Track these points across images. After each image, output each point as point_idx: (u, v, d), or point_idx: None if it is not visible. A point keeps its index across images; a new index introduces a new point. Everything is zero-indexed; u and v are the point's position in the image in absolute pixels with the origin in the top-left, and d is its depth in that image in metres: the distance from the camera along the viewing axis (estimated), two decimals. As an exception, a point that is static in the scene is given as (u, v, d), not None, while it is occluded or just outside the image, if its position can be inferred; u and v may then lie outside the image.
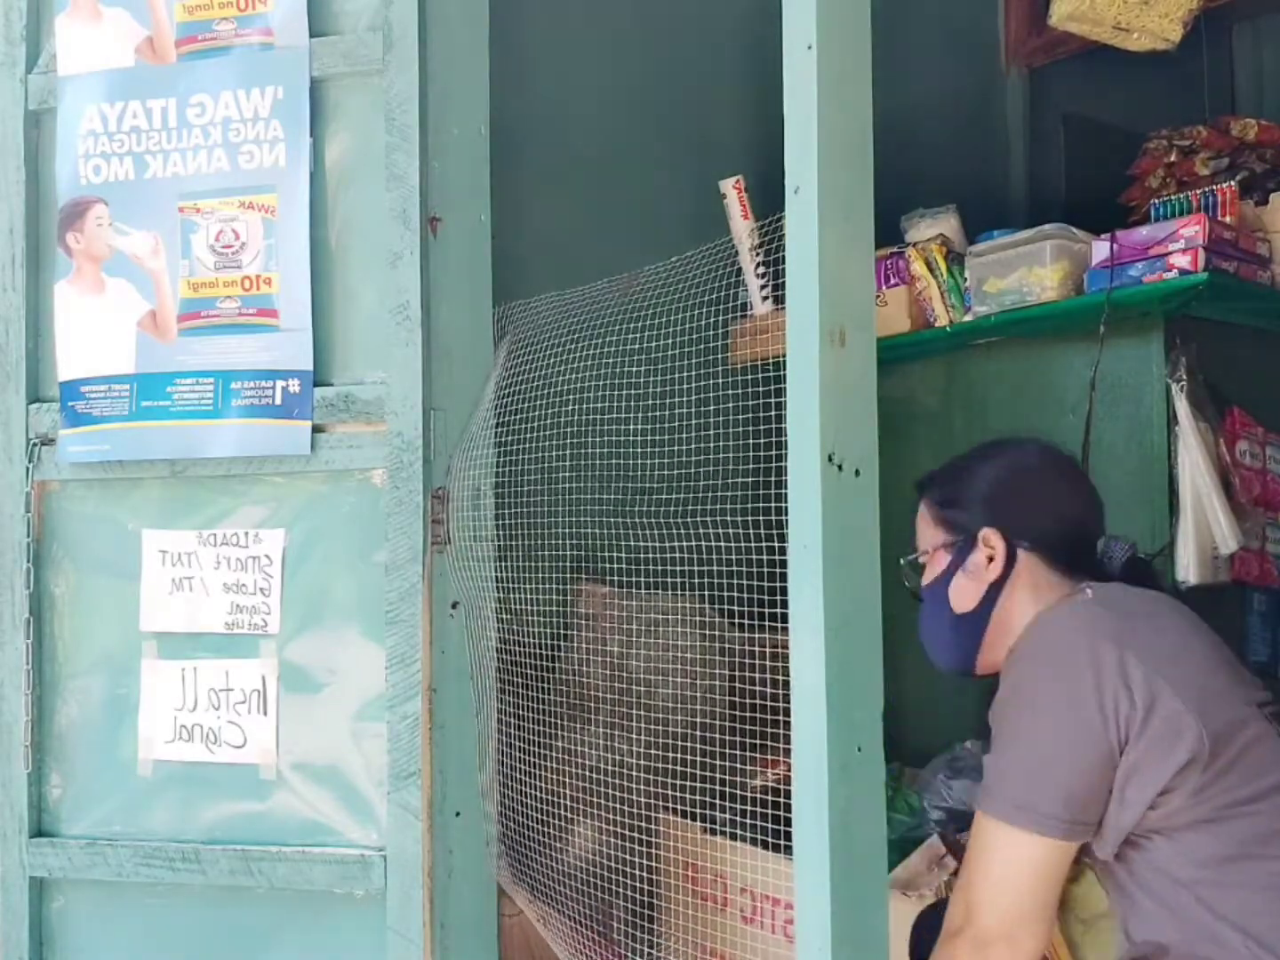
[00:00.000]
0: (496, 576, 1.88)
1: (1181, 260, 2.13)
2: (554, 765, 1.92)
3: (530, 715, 1.89)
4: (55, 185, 1.99)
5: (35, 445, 1.99)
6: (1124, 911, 1.47)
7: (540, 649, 1.94)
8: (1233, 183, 2.43)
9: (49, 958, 1.98)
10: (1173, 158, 3.00)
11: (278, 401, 1.86)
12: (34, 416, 2.00)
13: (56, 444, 1.98)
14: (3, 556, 2.00)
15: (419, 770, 1.80)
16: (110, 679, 1.96)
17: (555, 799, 1.90)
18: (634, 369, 1.89)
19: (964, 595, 1.59)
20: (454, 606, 1.85)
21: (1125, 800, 1.38)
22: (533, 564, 1.93)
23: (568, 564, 1.95)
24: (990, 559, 1.56)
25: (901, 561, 1.66)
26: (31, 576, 1.98)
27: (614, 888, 1.78)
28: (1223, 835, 1.37)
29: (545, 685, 1.93)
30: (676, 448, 1.84)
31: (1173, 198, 2.42)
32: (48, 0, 2.01)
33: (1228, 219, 2.30)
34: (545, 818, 1.88)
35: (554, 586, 1.93)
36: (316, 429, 1.86)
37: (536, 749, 1.87)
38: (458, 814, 1.84)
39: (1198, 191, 2.41)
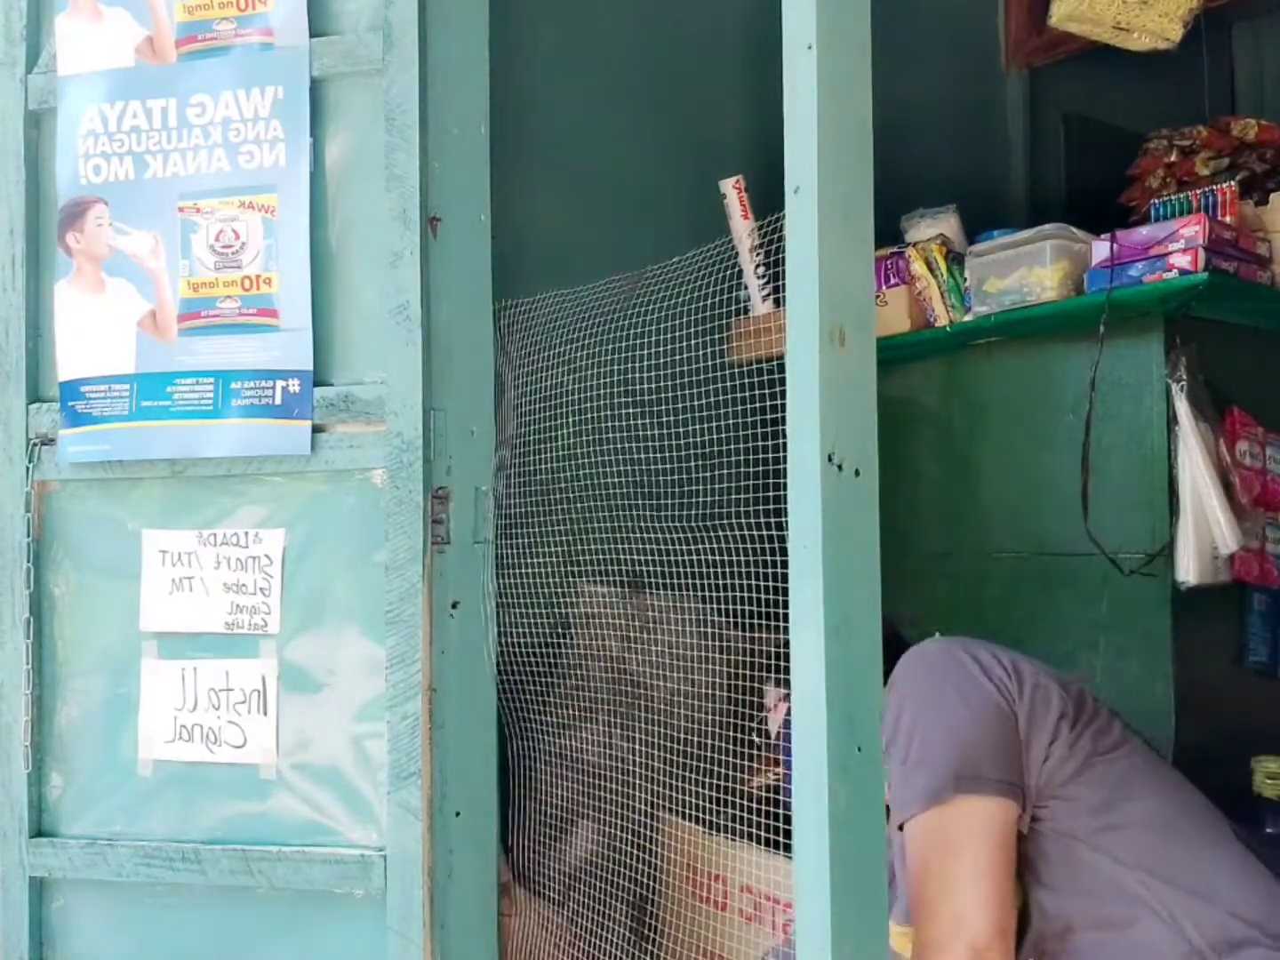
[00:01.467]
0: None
1: (1181, 260, 2.13)
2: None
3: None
4: (55, 185, 1.98)
5: (35, 445, 1.99)
6: (1036, 894, 1.53)
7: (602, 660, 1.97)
8: (1233, 183, 2.43)
9: (49, 958, 1.98)
10: (1173, 158, 3.01)
11: (278, 401, 1.86)
12: (34, 416, 2.00)
13: (56, 444, 1.98)
14: (3, 556, 2.00)
15: (419, 770, 1.80)
16: (110, 679, 1.96)
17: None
18: (636, 369, 1.90)
19: None
20: (454, 606, 1.85)
21: (1029, 764, 1.50)
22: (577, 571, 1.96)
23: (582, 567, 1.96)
24: None
25: (757, 736, 1.81)
26: (31, 576, 1.98)
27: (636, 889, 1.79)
28: (1095, 782, 1.51)
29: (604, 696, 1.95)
30: (676, 446, 1.84)
31: (1173, 198, 2.42)
32: (48, 0, 2.01)
33: (1228, 219, 2.30)
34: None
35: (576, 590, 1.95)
36: (316, 429, 1.86)
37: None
38: (458, 814, 1.84)
39: (1198, 191, 2.41)
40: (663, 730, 1.88)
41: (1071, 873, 1.49)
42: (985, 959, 1.41)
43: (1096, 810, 1.50)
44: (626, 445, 1.92)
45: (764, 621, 1.63)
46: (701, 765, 1.79)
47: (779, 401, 1.32)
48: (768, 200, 1.59)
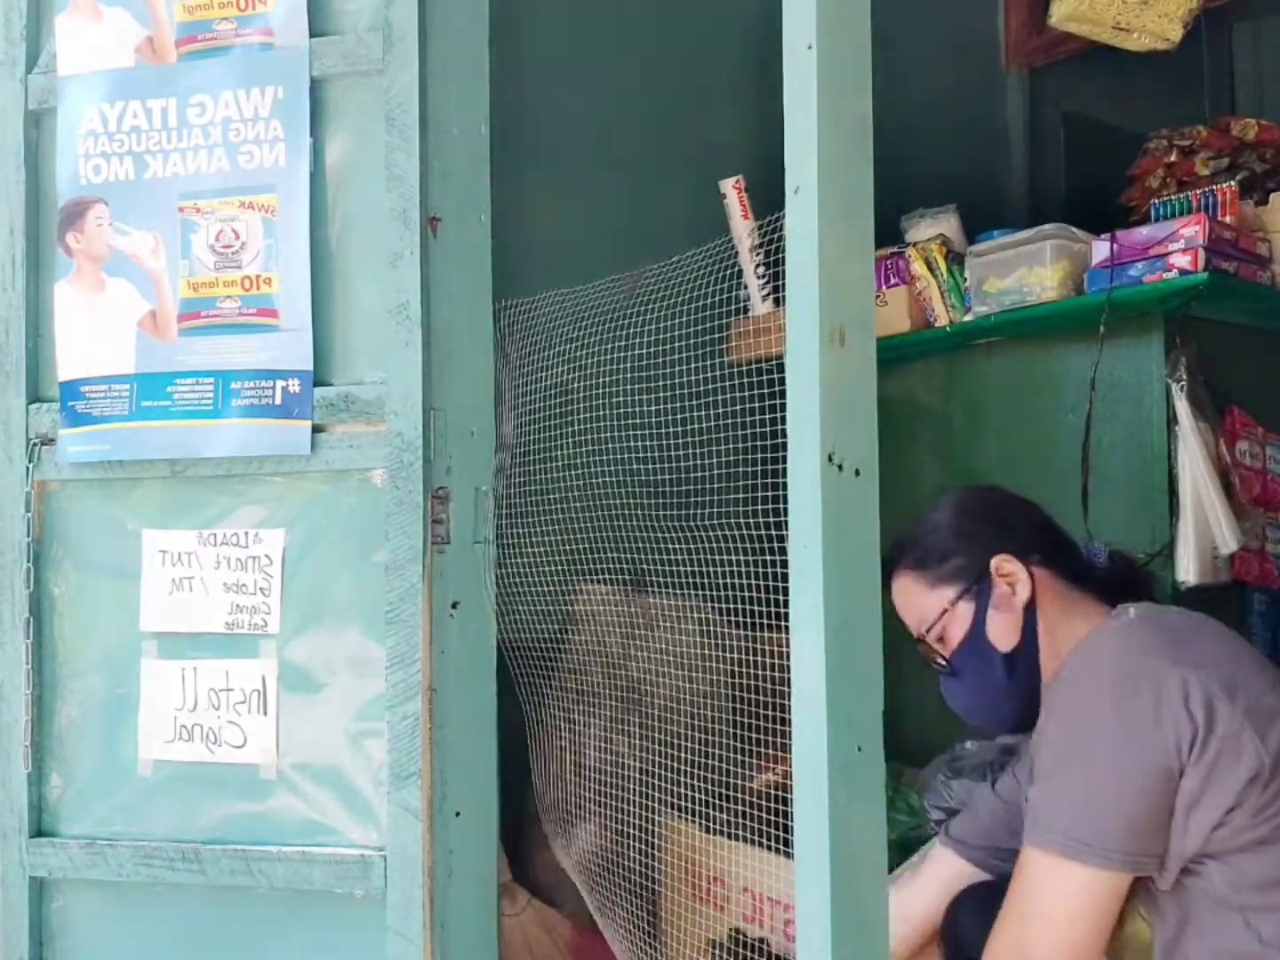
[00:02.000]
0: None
1: (1181, 260, 2.13)
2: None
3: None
4: (55, 185, 1.98)
5: (35, 445, 1.99)
6: (1168, 951, 1.43)
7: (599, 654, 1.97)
8: (1233, 183, 2.43)
9: (49, 958, 1.98)
10: (1173, 158, 3.00)
11: (278, 401, 1.86)
12: (34, 416, 2.00)
13: (56, 444, 1.97)
14: (3, 556, 2.00)
15: (419, 770, 1.80)
16: (110, 679, 1.96)
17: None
18: (636, 369, 1.90)
19: (1004, 631, 1.53)
20: (454, 606, 1.85)
21: (1188, 827, 1.35)
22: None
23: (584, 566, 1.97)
24: (1011, 585, 1.53)
25: (921, 645, 1.61)
26: (31, 576, 1.98)
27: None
28: (1276, 857, 1.34)
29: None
30: (675, 446, 1.84)
31: (1173, 198, 2.43)
32: (48, 0, 2.01)
33: (1228, 219, 2.30)
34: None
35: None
36: (316, 429, 1.86)
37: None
38: (458, 814, 1.84)
39: (1198, 191, 2.41)
40: (662, 730, 1.88)
41: (1209, 934, 1.38)
42: None
43: (1262, 887, 1.35)
44: (627, 445, 1.91)
45: (765, 621, 1.63)
46: (702, 765, 1.79)
47: (779, 401, 1.32)
48: (768, 200, 1.59)
